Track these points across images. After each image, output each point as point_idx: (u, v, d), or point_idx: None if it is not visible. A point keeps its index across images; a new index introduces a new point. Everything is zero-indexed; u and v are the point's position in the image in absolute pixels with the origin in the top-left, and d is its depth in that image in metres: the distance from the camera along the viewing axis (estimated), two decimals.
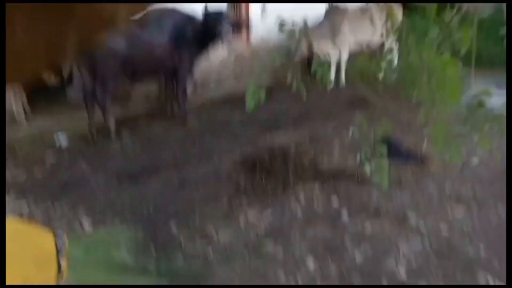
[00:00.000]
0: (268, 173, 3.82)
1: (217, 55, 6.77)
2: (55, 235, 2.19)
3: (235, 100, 6.61)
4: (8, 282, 1.76)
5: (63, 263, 2.13)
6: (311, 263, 2.68)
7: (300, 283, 2.52)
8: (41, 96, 5.59)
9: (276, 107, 6.22)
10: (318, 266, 2.65)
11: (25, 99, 5.32)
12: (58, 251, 2.14)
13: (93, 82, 4.68)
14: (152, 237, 2.92)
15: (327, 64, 7.28)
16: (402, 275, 2.60)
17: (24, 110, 5.24)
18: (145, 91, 6.26)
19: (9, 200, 3.43)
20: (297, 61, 7.82)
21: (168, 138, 4.95)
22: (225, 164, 4.13)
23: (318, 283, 2.51)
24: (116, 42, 4.48)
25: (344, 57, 6.73)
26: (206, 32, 5.14)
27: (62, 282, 2.02)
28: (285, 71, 7.62)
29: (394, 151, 4.28)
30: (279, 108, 6.18)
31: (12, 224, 2.18)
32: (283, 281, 2.51)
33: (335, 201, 3.41)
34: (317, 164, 3.97)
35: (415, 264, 2.68)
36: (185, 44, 5.13)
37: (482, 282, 2.53)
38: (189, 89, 6.13)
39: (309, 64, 7.64)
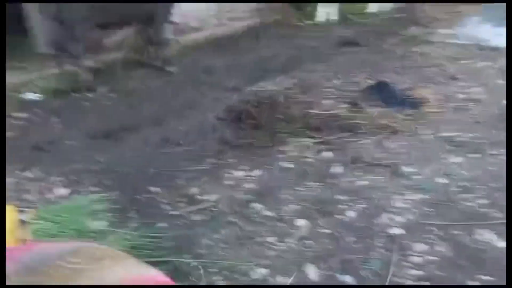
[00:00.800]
0: (255, 126, 3.58)
1: None
2: (19, 209, 2.00)
3: (219, 44, 6.23)
4: None
5: (27, 237, 1.95)
6: (301, 222, 2.52)
7: (290, 245, 2.36)
8: (8, 48, 5.17)
9: (264, 51, 5.88)
10: (310, 226, 2.49)
11: None
12: (21, 226, 1.95)
13: (61, 30, 4.28)
14: (131, 201, 2.72)
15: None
16: (397, 231, 2.45)
17: None
18: (121, 37, 5.82)
19: None
20: None
21: (147, 89, 4.64)
22: (209, 117, 3.87)
23: (309, 243, 2.36)
24: None
25: None
26: None
27: None
28: (272, 10, 7.20)
29: (388, 95, 4.05)
30: (266, 52, 5.84)
31: None
32: (272, 245, 2.36)
33: (326, 154, 3.21)
34: (307, 114, 3.73)
35: (412, 218, 2.53)
36: None
37: (480, 235, 2.39)
38: (168, 34, 5.71)
39: (298, 3, 7.22)
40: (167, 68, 5.11)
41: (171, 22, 5.65)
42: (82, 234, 2.13)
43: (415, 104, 3.92)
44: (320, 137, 3.42)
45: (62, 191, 2.85)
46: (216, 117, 3.87)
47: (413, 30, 6.69)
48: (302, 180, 2.90)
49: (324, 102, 4.05)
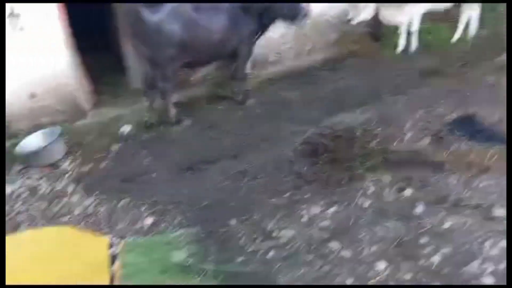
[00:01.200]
0: (332, 160, 3.56)
1: (276, 30, 6.45)
2: (111, 243, 2.17)
3: (296, 77, 6.32)
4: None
5: (117, 271, 2.11)
6: (381, 265, 2.43)
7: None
8: (104, 86, 5.71)
9: (341, 83, 5.86)
10: (390, 269, 2.39)
11: (90, 89, 5.45)
12: (112, 259, 2.12)
13: (152, 70, 4.65)
14: (211, 234, 2.83)
15: (396, 32, 6.73)
16: (488, 281, 2.26)
17: (89, 100, 5.37)
18: (204, 73, 6.16)
19: (77, 195, 3.53)
20: (363, 31, 7.32)
21: (227, 122, 4.82)
22: (286, 151, 3.92)
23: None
24: (172, 28, 4.37)
25: (415, 24, 6.14)
26: (269, 11, 4.93)
27: None
28: (348, 43, 7.16)
29: (476, 130, 3.81)
30: (343, 84, 5.81)
31: (64, 233, 2.19)
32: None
33: (408, 192, 3.08)
34: (387, 149, 3.62)
35: (505, 267, 2.33)
36: (246, 25, 4.91)
37: None
38: (248, 69, 5.94)
39: (376, 34, 7.14)
40: (246, 102, 5.29)
41: (252, 58, 5.89)
42: (166, 268, 2.24)
43: (505, 139, 3.64)
44: (400, 174, 3.29)
45: (149, 220, 3.04)
46: (292, 151, 3.91)
47: (504, 57, 6.26)
48: (381, 219, 2.81)
49: (405, 136, 3.92)
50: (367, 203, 2.99)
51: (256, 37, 5.26)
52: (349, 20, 6.86)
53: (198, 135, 4.54)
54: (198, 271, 2.39)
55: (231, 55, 5.08)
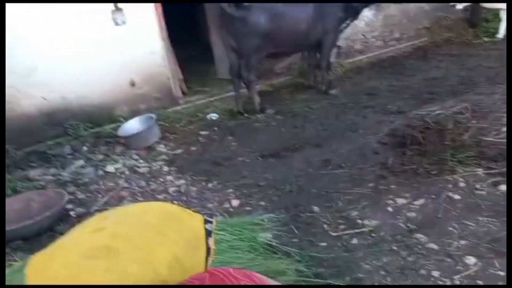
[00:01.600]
0: (420, 152, 3.45)
1: (363, 17, 6.32)
2: (205, 220, 2.36)
3: (383, 66, 6.16)
4: (159, 260, 1.96)
5: (212, 246, 2.28)
6: (471, 260, 2.35)
7: (458, 283, 2.22)
8: (194, 75, 6.04)
9: (432, 72, 5.61)
10: (480, 264, 2.30)
11: (181, 78, 5.81)
12: (207, 235, 2.29)
13: (238, 60, 4.83)
14: (294, 218, 2.92)
15: (498, 17, 6.24)
16: None
17: (181, 88, 5.73)
18: (288, 63, 6.25)
19: (171, 175, 3.82)
20: (459, 16, 6.90)
21: (311, 111, 4.87)
22: (371, 141, 3.88)
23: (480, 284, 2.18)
24: (258, 19, 4.50)
25: None
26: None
27: (210, 264, 2.17)
28: (442, 30, 6.79)
29: None
30: (435, 73, 5.56)
31: (167, 208, 2.40)
32: (437, 280, 2.26)
33: (503, 187, 2.91)
34: (481, 142, 3.42)
35: None
36: (333, 14, 4.90)
37: None
38: (333, 58, 5.91)
39: (474, 19, 6.68)
40: (330, 91, 5.29)
41: (336, 47, 5.84)
42: (254, 247, 2.37)
43: None
44: (496, 168, 3.11)
45: (235, 202, 3.22)
46: (378, 141, 3.86)
47: None
48: (472, 214, 2.70)
49: (502, 129, 3.66)
50: (457, 197, 2.88)
51: (344, 25, 5.22)
52: (454, 5, 6.51)
53: (282, 124, 4.65)
54: (283, 253, 2.49)
55: (316, 44, 5.10)
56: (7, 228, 2.92)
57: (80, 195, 3.63)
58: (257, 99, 5.00)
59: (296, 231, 2.78)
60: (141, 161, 4.18)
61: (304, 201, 3.11)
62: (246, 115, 4.95)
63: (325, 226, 2.83)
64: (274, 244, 2.53)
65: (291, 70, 6.19)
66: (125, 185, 3.70)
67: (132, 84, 5.19)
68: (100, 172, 4.00)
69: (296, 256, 2.47)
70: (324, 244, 2.65)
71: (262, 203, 3.16)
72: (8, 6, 4.32)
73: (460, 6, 6.55)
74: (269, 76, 6.13)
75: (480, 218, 2.64)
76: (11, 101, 4.63)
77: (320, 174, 3.48)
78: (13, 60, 4.50)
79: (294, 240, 2.69)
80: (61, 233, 2.89)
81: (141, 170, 3.97)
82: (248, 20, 4.48)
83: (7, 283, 1.89)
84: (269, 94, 5.58)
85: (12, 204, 3.30)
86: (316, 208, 3.02)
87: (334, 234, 2.73)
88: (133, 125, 4.66)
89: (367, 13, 6.44)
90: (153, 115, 4.68)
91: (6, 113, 4.61)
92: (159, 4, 5.15)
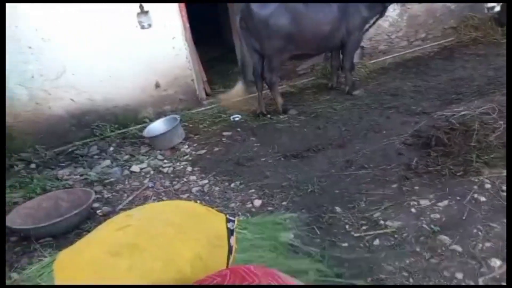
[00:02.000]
0: (445, 153, 3.40)
1: (387, 17, 6.26)
2: (227, 219, 2.39)
3: (408, 66, 6.08)
4: (182, 258, 2.00)
5: (234, 244, 2.31)
6: (496, 263, 2.30)
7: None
8: (217, 76, 6.11)
9: (458, 72, 5.50)
10: (506, 269, 2.25)
11: (205, 80, 5.88)
12: (229, 233, 2.33)
13: (260, 61, 4.86)
14: (316, 219, 2.92)
15: None
16: None
17: (205, 90, 5.80)
18: (311, 64, 6.24)
19: (194, 175, 3.88)
20: (486, 15, 6.76)
21: (334, 112, 4.85)
22: (395, 142, 3.84)
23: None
24: (280, 21, 4.52)
25: None
26: None
27: (231, 262, 2.20)
28: (469, 29, 6.65)
29: None
30: (461, 73, 5.45)
31: (190, 206, 2.45)
32: (461, 282, 2.22)
33: None
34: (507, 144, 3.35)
35: None
36: (358, 14, 4.87)
37: None
38: (356, 58, 5.88)
39: (503, 18, 6.52)
40: (353, 92, 5.25)
41: (360, 47, 5.80)
42: (276, 246, 2.39)
43: None
44: None
45: (258, 202, 3.24)
46: (402, 142, 3.82)
47: None
48: (498, 216, 2.64)
49: None
50: (483, 198, 2.82)
51: (369, 25, 5.18)
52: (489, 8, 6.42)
53: (305, 124, 4.65)
54: (305, 252, 2.50)
55: (340, 45, 5.08)
56: (36, 226, 3.03)
57: (106, 194, 3.73)
58: (279, 100, 5.02)
59: (318, 232, 2.79)
60: (166, 161, 4.26)
61: (326, 202, 3.11)
62: (269, 116, 4.98)
63: (347, 226, 2.82)
64: (295, 243, 2.54)
65: (314, 71, 6.18)
66: (150, 184, 3.78)
67: (157, 85, 5.29)
68: (126, 172, 4.10)
69: (318, 256, 2.48)
70: (345, 244, 2.65)
71: (284, 203, 3.17)
72: (37, 10, 4.48)
73: (497, 7, 6.44)
74: (291, 77, 6.15)
75: (506, 220, 2.58)
76: (40, 103, 4.80)
77: (343, 175, 3.47)
78: (42, 63, 4.67)
79: (316, 240, 2.70)
80: (88, 231, 2.99)
81: (165, 170, 4.05)
82: (270, 21, 4.50)
83: (37, 277, 1.98)
84: (292, 95, 5.59)
85: (41, 202, 3.42)
86: (338, 209, 3.01)
87: (356, 235, 2.72)
88: (158, 126, 4.75)
89: (391, 13, 6.37)
90: (178, 116, 4.76)
91: (36, 115, 4.78)
92: (183, 6, 5.24)
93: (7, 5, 4.25)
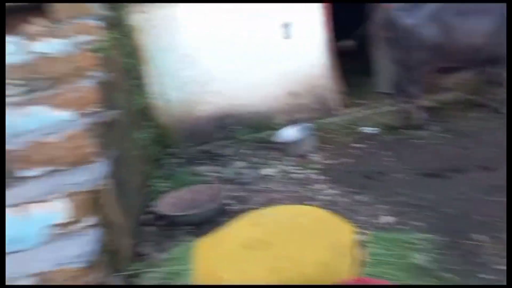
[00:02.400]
0: None
1: None
2: (354, 230, 2.37)
3: None
4: (307, 260, 2.04)
5: (358, 256, 2.27)
6: None
7: None
8: (352, 87, 6.02)
9: None
10: None
11: (341, 90, 5.86)
12: (355, 245, 2.30)
13: (402, 73, 4.67)
14: (452, 245, 2.70)
15: None
16: None
17: (339, 100, 5.78)
18: (457, 78, 5.75)
19: (322, 184, 3.91)
20: None
21: (481, 131, 4.41)
22: None
23: None
24: (426, 31, 4.28)
25: None
26: None
27: (356, 273, 2.17)
28: None
29: None
30: None
31: (319, 213, 2.49)
32: None
33: None
34: None
35: None
36: None
37: None
38: (505, 73, 5.24)
39: None
40: (502, 109, 4.70)
41: None
42: (407, 266, 2.28)
43: None
44: None
45: (388, 219, 3.12)
46: None
47: None
48: None
49: None
50: None
51: None
52: None
53: (447, 142, 4.33)
54: (438, 277, 2.34)
55: (493, 59, 4.61)
56: (184, 213, 3.41)
57: (239, 193, 3.97)
58: (420, 115, 4.75)
59: (452, 258, 2.57)
60: (295, 167, 4.36)
61: (465, 227, 2.86)
62: (406, 130, 4.74)
63: (488, 257, 2.55)
64: (427, 266, 2.39)
65: (460, 85, 5.68)
66: (279, 188, 3.92)
67: (292, 94, 5.45)
68: (257, 174, 4.31)
69: (451, 283, 2.30)
70: (483, 276, 2.40)
71: (416, 223, 3.00)
72: (194, 20, 5.02)
73: None
74: (434, 91, 5.75)
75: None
76: (191, 106, 5.34)
77: (487, 200, 3.14)
78: (196, 70, 5.20)
79: (449, 266, 2.50)
80: (221, 224, 3.22)
81: (294, 176, 4.15)
82: (415, 33, 4.29)
83: (179, 258, 2.22)
84: (435, 110, 5.22)
85: (184, 194, 3.82)
86: (478, 236, 2.74)
87: (498, 267, 2.44)
88: (290, 133, 4.90)
89: None
90: (310, 125, 4.84)
91: (186, 116, 5.33)
92: (329, 16, 5.27)
93: (166, 14, 4.83)
